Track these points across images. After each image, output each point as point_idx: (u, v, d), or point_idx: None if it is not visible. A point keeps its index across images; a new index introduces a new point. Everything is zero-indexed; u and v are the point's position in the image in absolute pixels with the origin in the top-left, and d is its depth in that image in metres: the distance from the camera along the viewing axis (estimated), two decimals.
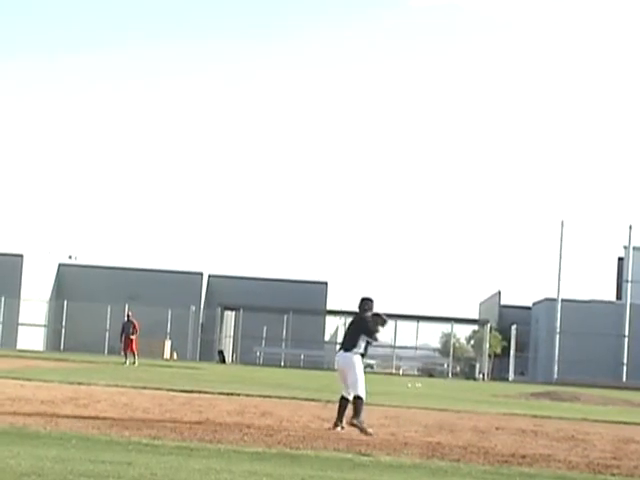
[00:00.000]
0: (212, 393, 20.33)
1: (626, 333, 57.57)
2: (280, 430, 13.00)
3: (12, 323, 56.08)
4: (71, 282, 59.40)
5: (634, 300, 58.20)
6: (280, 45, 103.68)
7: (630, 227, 58.40)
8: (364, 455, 10.72)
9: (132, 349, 37.67)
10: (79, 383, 21.36)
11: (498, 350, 59.03)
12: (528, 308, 64.80)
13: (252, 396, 20.08)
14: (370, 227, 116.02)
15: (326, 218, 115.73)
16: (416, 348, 60.60)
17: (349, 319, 17.07)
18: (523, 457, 11.35)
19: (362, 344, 13.84)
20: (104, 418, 13.30)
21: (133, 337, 37.76)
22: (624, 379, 55.48)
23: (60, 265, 60.96)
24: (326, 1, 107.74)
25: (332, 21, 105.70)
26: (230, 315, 59.80)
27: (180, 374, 30.80)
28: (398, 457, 10.76)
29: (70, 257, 63.89)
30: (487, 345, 57.01)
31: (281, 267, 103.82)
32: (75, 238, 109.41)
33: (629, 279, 59.31)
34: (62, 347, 56.43)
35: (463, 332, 65.01)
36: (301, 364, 54.95)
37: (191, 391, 20.55)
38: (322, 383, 28.54)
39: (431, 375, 55.22)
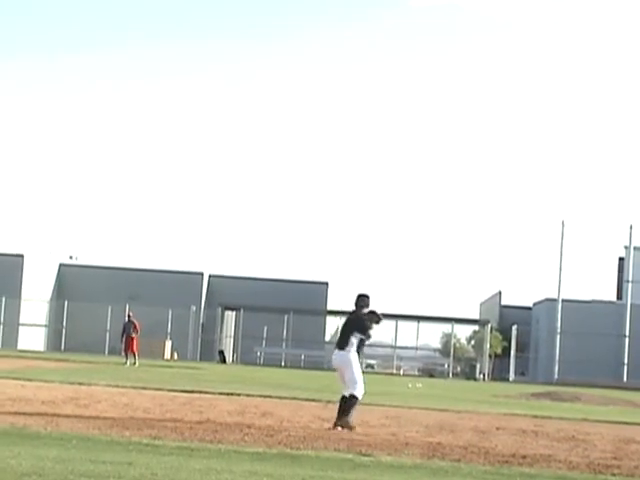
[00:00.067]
0: (213, 393, 20.33)
1: (627, 333, 57.56)
2: (281, 430, 13.00)
3: (13, 323, 56.09)
4: (72, 282, 59.40)
5: (635, 300, 58.18)
6: (280, 45, 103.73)
7: (631, 227, 58.40)
8: (365, 455, 10.72)
9: (133, 350, 37.67)
10: (80, 383, 21.36)
11: (499, 350, 59.03)
12: (529, 308, 64.80)
13: (253, 396, 20.09)
14: (371, 227, 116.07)
15: (327, 218, 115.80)
16: (417, 348, 60.61)
17: None
18: (524, 457, 11.35)
19: (355, 341, 13.84)
20: (105, 418, 13.30)
21: (134, 336, 37.76)
22: (625, 379, 55.48)
23: (61, 265, 60.97)
24: (326, 1, 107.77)
25: (332, 21, 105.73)
26: (231, 315, 59.81)
27: (181, 374, 30.81)
28: (399, 457, 10.75)
29: (71, 257, 63.91)
30: (488, 345, 57.00)
31: (282, 267, 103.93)
32: (76, 238, 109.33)
33: (630, 279, 59.31)
34: (63, 347, 56.44)
35: (464, 332, 65.04)
36: (302, 364, 54.95)
37: (192, 391, 20.56)
38: (323, 383, 28.54)
39: (432, 375, 55.21)
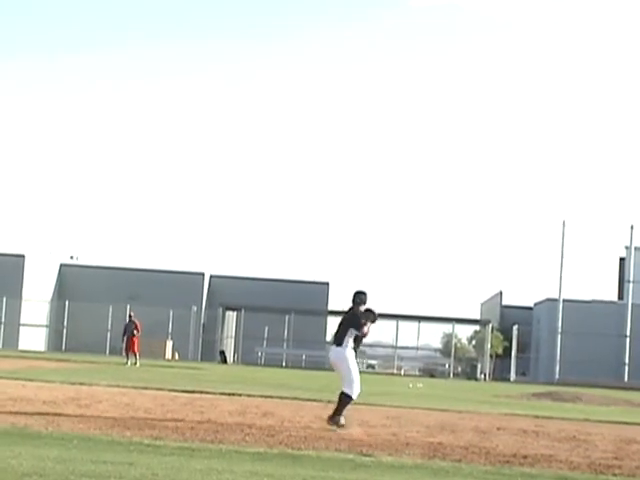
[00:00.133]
0: (214, 393, 20.33)
1: (628, 333, 57.55)
2: (282, 430, 13.00)
3: (14, 323, 56.12)
4: (73, 282, 59.42)
5: (636, 300, 58.17)
6: (280, 45, 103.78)
7: (632, 227, 58.37)
8: (365, 455, 10.71)
9: (134, 350, 37.67)
10: (81, 383, 21.36)
11: (499, 350, 59.03)
12: (530, 308, 64.80)
13: (254, 396, 20.08)
14: (372, 228, 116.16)
15: (328, 219, 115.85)
16: (417, 348, 60.61)
17: None
18: (525, 457, 11.34)
19: (350, 338, 13.85)
20: (106, 418, 13.30)
21: (136, 335, 37.76)
22: (626, 379, 55.47)
23: (62, 265, 61.00)
24: (326, 1, 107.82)
25: (332, 21, 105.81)
26: (232, 315, 59.83)
27: (181, 374, 30.80)
28: (400, 457, 10.75)
29: (72, 257, 63.94)
30: (488, 345, 57.00)
31: (283, 267, 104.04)
32: (76, 238, 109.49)
33: (631, 279, 59.30)
34: (64, 347, 56.46)
35: (464, 332, 65.10)
36: (303, 364, 54.96)
37: (193, 391, 20.55)
38: (323, 383, 28.54)
39: (432, 375, 55.20)
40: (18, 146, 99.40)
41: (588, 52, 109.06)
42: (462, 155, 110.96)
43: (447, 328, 62.74)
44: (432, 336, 65.96)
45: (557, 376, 55.54)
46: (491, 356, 57.70)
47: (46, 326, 58.80)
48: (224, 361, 53.41)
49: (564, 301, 57.63)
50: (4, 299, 55.62)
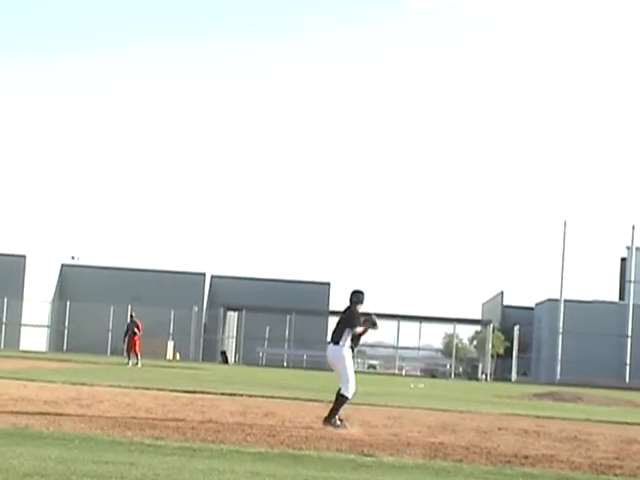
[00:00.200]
0: (215, 394, 20.33)
1: (629, 333, 57.55)
2: (283, 430, 13.00)
3: (15, 324, 56.14)
4: (74, 283, 59.44)
5: (637, 300, 58.17)
6: (280, 45, 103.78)
7: (633, 227, 58.37)
8: (367, 456, 10.71)
9: (135, 350, 37.68)
10: (82, 383, 21.37)
11: (501, 350, 59.03)
12: (531, 308, 64.79)
13: (255, 397, 20.09)
14: (373, 228, 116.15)
15: (329, 219, 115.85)
16: (419, 349, 60.62)
17: None
18: (526, 457, 11.34)
19: (347, 337, 13.88)
20: (107, 418, 13.30)
21: (138, 334, 37.76)
22: (627, 379, 55.47)
23: (63, 266, 61.01)
24: (326, 1, 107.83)
25: (332, 21, 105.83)
26: (233, 316, 59.85)
27: (183, 374, 30.81)
28: (401, 457, 10.75)
29: (73, 258, 63.95)
30: (490, 345, 57.00)
31: (284, 268, 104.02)
32: (78, 239, 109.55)
33: (632, 279, 59.29)
34: (65, 348, 56.49)
35: (466, 333, 65.12)
36: (304, 365, 54.96)
37: (194, 392, 20.55)
38: (324, 384, 28.53)
39: (434, 376, 55.20)
40: (19, 146, 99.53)
41: (588, 52, 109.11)
42: (463, 155, 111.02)
43: (448, 328, 62.74)
44: (433, 336, 66.02)
45: (558, 376, 55.54)
46: (492, 356, 57.70)
47: (47, 326, 58.82)
48: (225, 361, 53.42)
49: (565, 301, 57.62)
50: (5, 299, 55.65)
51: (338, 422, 13.60)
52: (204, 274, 60.25)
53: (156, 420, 13.49)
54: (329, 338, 14.36)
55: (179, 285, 58.67)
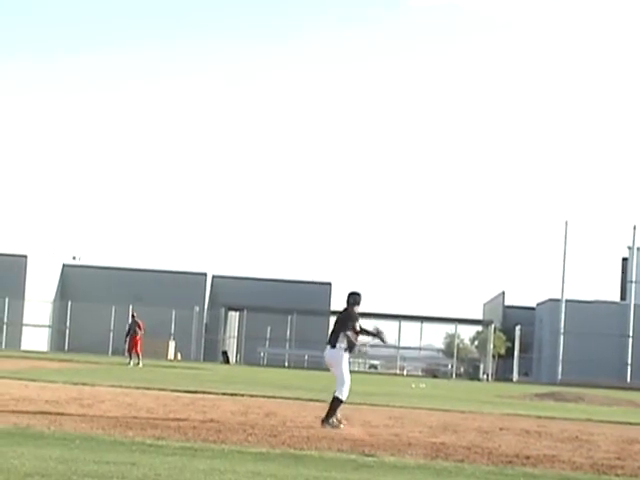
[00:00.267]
0: (216, 394, 20.33)
1: (630, 333, 57.52)
2: (284, 431, 13.00)
3: (16, 324, 56.16)
4: (75, 283, 59.46)
5: (638, 300, 58.15)
6: (280, 45, 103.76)
7: (634, 227, 58.34)
8: (368, 456, 10.71)
9: (136, 350, 37.68)
10: (83, 383, 21.38)
11: (502, 351, 59.02)
12: (532, 309, 64.77)
13: (256, 397, 20.09)
14: (374, 228, 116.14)
15: (330, 219, 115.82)
16: (420, 349, 60.62)
17: None
18: (527, 458, 11.34)
19: (344, 339, 13.90)
20: (108, 418, 13.31)
21: (140, 334, 37.75)
22: (628, 379, 55.45)
23: (64, 266, 61.03)
24: (326, 1, 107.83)
25: (332, 21, 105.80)
26: (234, 316, 59.85)
27: (184, 374, 30.81)
28: (402, 458, 10.75)
29: (74, 258, 63.96)
30: (491, 346, 56.99)
31: (285, 268, 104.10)
32: (79, 239, 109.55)
33: (633, 279, 59.27)
34: (66, 348, 56.50)
35: (467, 333, 65.12)
36: (305, 365, 54.95)
37: (195, 391, 20.55)
38: (326, 384, 28.53)
39: (435, 376, 55.20)
40: (19, 146, 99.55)
41: (588, 52, 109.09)
42: (463, 156, 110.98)
43: (450, 328, 62.75)
44: (435, 336, 66.02)
45: (559, 376, 55.52)
46: (493, 356, 57.69)
47: (49, 326, 58.83)
48: (226, 361, 53.42)
49: (566, 301, 57.61)
50: (7, 299, 55.65)
51: (336, 422, 13.62)
52: (205, 274, 60.26)
53: (157, 420, 13.49)
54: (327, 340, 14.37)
55: (180, 285, 58.68)
